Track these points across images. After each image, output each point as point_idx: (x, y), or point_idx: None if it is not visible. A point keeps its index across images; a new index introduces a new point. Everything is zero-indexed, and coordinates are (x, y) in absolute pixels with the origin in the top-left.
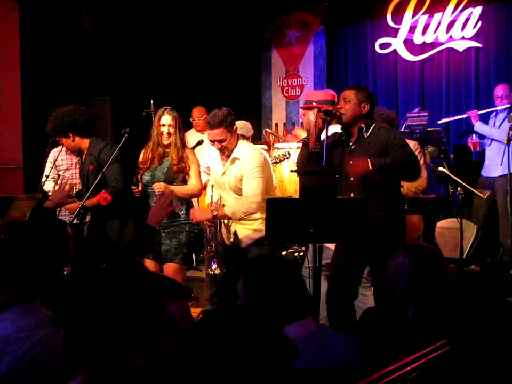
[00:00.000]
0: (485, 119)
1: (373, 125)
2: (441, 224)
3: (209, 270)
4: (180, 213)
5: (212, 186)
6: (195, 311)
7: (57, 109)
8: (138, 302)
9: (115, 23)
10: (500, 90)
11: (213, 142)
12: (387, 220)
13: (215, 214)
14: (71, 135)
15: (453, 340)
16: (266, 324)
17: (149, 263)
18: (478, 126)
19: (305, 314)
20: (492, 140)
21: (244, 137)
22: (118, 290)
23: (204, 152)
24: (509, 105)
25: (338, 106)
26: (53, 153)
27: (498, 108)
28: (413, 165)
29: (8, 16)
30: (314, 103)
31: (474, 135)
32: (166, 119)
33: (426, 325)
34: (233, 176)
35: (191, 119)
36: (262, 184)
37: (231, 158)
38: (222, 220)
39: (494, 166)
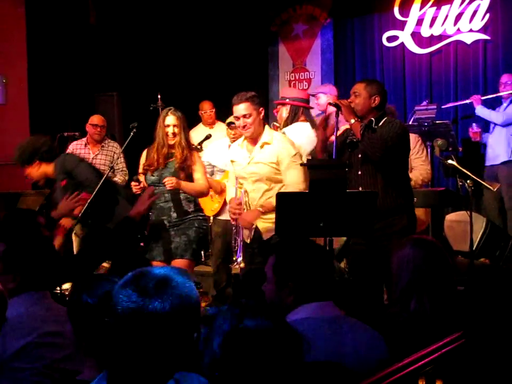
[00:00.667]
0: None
1: (384, 118)
2: (450, 217)
3: (235, 264)
4: (189, 210)
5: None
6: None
7: (22, 141)
8: None
9: (121, 18)
10: (504, 77)
11: (237, 118)
12: (395, 213)
13: (260, 210)
14: (37, 162)
15: (466, 333)
16: (274, 317)
17: (157, 264)
18: (479, 110)
19: (329, 297)
20: (495, 125)
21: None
22: None
23: (209, 146)
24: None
25: (349, 100)
26: (72, 146)
27: (501, 94)
28: (375, 145)
29: (15, 11)
30: (288, 100)
31: (474, 125)
32: (170, 120)
33: (428, 319)
34: (264, 163)
35: (201, 112)
36: (304, 171)
37: (260, 143)
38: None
39: (496, 154)
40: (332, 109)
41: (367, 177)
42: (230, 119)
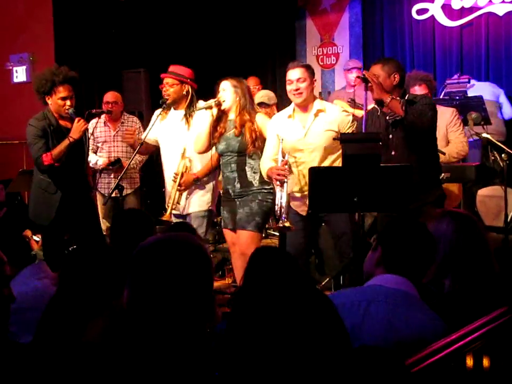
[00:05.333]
0: None
1: (407, 95)
2: (482, 192)
3: (280, 223)
4: (253, 182)
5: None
6: None
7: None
8: None
9: None
10: None
11: (291, 82)
12: (429, 188)
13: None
14: None
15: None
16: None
17: (227, 232)
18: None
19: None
20: None
21: (266, 105)
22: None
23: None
24: None
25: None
26: (91, 124)
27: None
28: (425, 113)
29: None
30: (189, 80)
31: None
32: (223, 85)
33: (461, 301)
34: (322, 131)
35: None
36: None
37: (314, 111)
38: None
39: None
40: None
41: (402, 157)
42: (261, 99)
